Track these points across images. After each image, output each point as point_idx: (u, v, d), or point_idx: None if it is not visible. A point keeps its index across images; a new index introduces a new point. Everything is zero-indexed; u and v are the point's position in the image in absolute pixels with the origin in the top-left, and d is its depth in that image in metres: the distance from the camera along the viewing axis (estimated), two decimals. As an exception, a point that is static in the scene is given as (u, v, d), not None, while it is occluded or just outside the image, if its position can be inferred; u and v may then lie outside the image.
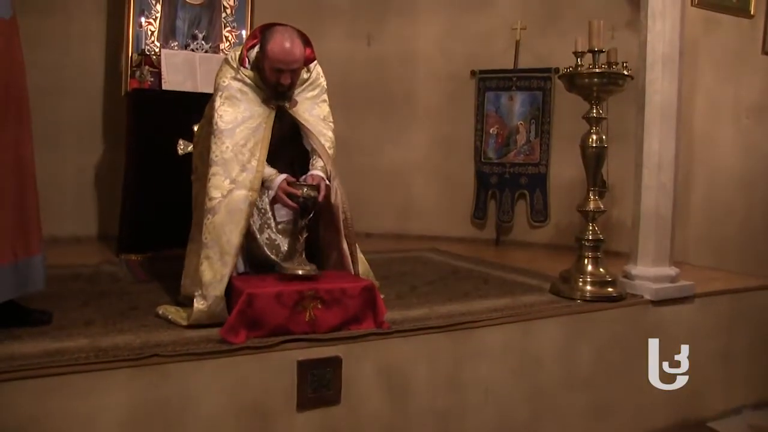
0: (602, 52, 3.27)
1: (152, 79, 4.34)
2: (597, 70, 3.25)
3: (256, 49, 2.89)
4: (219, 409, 2.26)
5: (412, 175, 5.52)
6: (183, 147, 3.46)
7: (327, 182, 2.83)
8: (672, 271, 3.41)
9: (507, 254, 4.79)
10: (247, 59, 2.92)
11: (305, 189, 2.69)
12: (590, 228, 3.37)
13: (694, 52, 4.54)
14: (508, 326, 2.89)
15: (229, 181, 2.69)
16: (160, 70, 4.34)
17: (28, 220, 2.37)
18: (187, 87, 4.29)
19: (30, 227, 2.38)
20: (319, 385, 2.40)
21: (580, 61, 3.32)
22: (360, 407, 2.52)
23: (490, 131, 5.34)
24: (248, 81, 2.88)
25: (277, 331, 2.41)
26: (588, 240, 3.35)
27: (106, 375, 2.10)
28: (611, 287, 3.29)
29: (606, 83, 3.27)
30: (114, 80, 4.67)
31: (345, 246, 2.91)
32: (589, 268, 3.33)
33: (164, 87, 4.29)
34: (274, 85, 2.85)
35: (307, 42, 2.92)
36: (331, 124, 3.07)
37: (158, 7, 4.56)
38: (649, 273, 3.37)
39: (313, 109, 3.03)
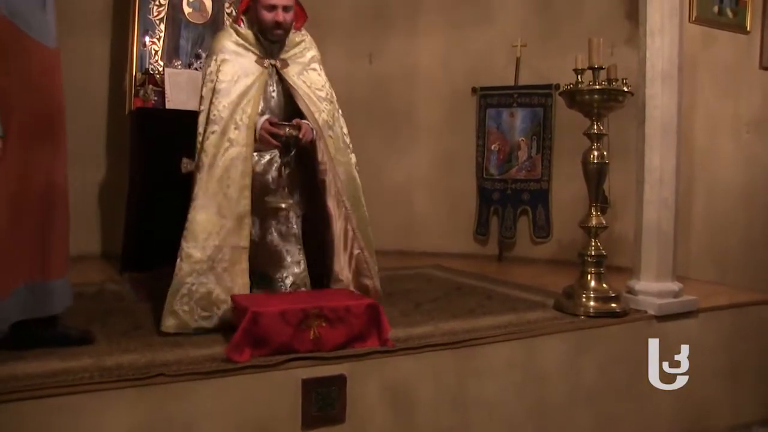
0: (602, 68, 3.29)
1: (156, 98, 4.38)
2: (597, 87, 3.27)
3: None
4: (224, 427, 2.27)
5: (415, 191, 5.54)
6: (186, 165, 3.47)
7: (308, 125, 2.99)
8: (675, 286, 3.41)
9: (510, 270, 4.79)
10: (242, 21, 3.07)
11: (287, 128, 2.89)
12: (593, 244, 3.37)
13: (693, 67, 4.57)
14: (512, 343, 2.90)
15: (226, 138, 2.78)
16: (163, 89, 4.38)
17: (52, 244, 2.39)
18: (190, 105, 4.29)
19: (54, 251, 2.40)
20: (323, 404, 2.40)
21: (581, 78, 3.33)
22: (365, 426, 2.51)
23: (492, 147, 5.36)
24: (242, 41, 3.02)
25: (281, 350, 2.42)
26: (591, 256, 3.35)
27: (111, 395, 2.11)
28: (615, 303, 3.29)
29: (606, 100, 3.29)
30: (117, 99, 4.71)
31: (330, 204, 3.06)
32: (592, 283, 3.33)
33: (168, 106, 4.33)
34: (271, 27, 2.98)
35: (299, 4, 3.09)
36: (320, 92, 3.14)
37: (162, 27, 4.60)
38: (652, 288, 3.37)
39: (303, 74, 3.13)
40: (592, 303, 3.27)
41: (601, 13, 5.04)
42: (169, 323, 2.69)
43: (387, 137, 5.49)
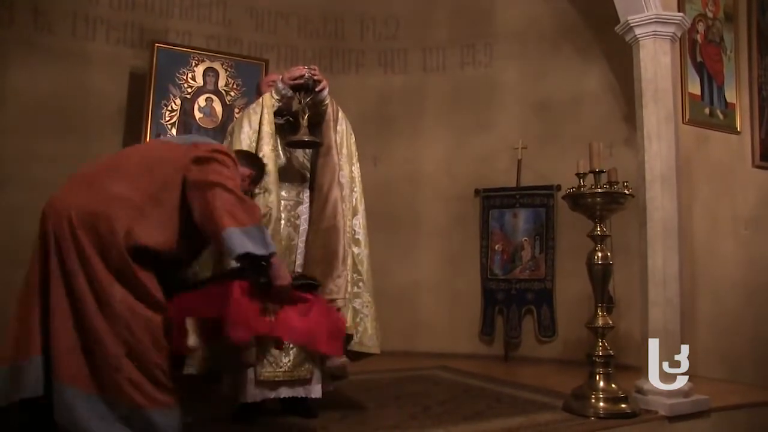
0: (603, 172, 3.39)
1: (166, 202, 4.45)
2: (599, 190, 3.36)
3: None
4: None
5: (419, 292, 5.57)
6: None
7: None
8: (685, 385, 3.38)
9: (517, 371, 4.77)
10: None
11: (307, 73, 3.09)
12: (600, 344, 3.38)
13: (688, 167, 4.66)
14: (523, 446, 2.86)
15: None
16: (173, 191, 4.45)
17: None
18: (199, 209, 4.39)
19: None
20: None
21: (583, 181, 3.43)
22: None
23: (496, 248, 5.43)
24: None
25: None
26: (599, 356, 3.35)
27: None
28: (624, 403, 3.27)
29: (609, 202, 3.37)
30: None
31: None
32: (601, 384, 3.32)
33: (177, 207, 4.39)
34: None
35: None
36: None
37: (173, 131, 4.76)
38: (661, 388, 3.33)
39: None
40: (601, 404, 3.25)
41: (598, 114, 5.23)
42: None
43: (392, 239, 5.55)
